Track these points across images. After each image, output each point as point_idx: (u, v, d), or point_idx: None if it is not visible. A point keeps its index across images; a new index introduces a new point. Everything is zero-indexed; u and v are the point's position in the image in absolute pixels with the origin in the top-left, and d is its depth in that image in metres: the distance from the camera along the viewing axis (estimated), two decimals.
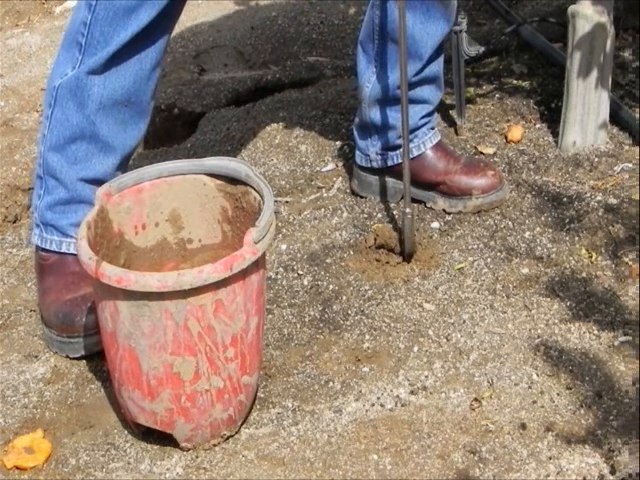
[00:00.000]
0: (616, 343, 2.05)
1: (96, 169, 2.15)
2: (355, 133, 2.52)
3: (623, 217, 2.35)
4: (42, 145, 2.17)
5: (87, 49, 2.07)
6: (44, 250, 2.20)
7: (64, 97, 2.11)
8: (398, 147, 2.41)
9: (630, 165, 2.54)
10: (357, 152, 2.52)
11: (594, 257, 2.27)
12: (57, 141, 2.14)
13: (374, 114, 2.42)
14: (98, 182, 2.14)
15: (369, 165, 2.50)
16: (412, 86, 2.33)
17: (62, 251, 2.18)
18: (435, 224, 2.43)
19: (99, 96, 2.09)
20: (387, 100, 2.40)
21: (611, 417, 1.89)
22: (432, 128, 2.48)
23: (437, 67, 2.41)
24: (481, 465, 1.82)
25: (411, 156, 2.34)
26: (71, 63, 2.10)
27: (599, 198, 2.43)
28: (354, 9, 3.59)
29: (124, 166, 2.20)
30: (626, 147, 2.62)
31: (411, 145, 2.38)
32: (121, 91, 2.10)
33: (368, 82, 2.41)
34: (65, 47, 2.12)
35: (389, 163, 2.47)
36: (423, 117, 2.43)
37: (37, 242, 2.21)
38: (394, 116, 2.40)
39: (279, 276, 2.30)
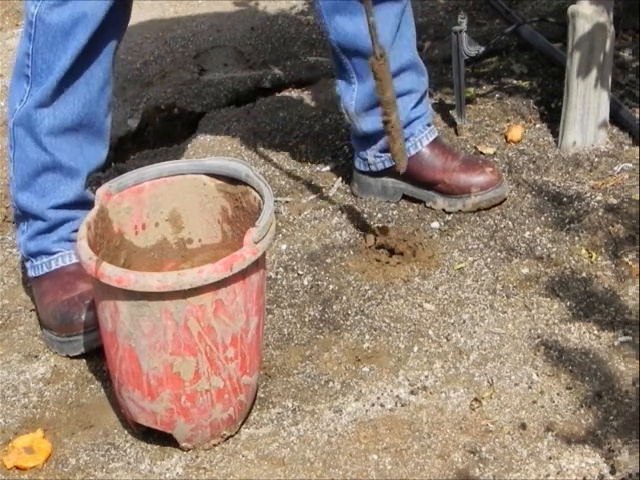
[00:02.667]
0: (616, 343, 2.05)
1: (66, 194, 2.15)
2: (352, 142, 2.53)
3: (623, 217, 2.35)
4: (11, 188, 2.19)
5: (33, 80, 2.06)
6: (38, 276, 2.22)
7: (20, 136, 2.11)
8: None
9: (630, 165, 2.54)
10: (356, 157, 2.52)
11: (594, 257, 2.27)
12: (22, 180, 2.15)
13: (365, 125, 2.42)
14: (71, 205, 2.16)
15: (368, 169, 2.50)
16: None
17: (52, 269, 2.19)
18: (435, 224, 2.43)
19: (51, 127, 2.09)
20: (374, 105, 2.38)
21: (611, 417, 1.88)
22: (428, 125, 2.47)
23: (410, 53, 2.39)
24: (481, 465, 1.82)
25: (408, 155, 2.33)
26: (19, 97, 2.09)
27: (599, 198, 2.42)
28: None
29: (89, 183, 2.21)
30: (626, 147, 2.62)
31: (407, 144, 2.38)
32: (71, 117, 2.09)
33: (351, 100, 2.41)
34: (14, 81, 2.12)
35: (388, 164, 2.46)
36: (414, 108, 2.42)
37: (32, 274, 2.22)
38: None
39: (279, 276, 2.30)
